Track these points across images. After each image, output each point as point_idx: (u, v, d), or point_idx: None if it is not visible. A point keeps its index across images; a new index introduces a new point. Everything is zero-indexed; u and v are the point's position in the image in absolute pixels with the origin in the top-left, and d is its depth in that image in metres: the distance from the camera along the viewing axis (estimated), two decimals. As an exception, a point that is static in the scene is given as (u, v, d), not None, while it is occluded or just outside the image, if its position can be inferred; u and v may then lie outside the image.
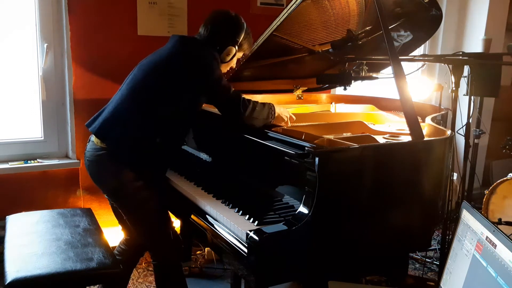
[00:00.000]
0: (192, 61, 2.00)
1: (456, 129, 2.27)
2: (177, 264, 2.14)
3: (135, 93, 2.04)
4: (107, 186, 2.07)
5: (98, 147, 2.02)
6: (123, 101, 2.04)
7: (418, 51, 3.63)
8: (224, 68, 2.19)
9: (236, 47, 2.13)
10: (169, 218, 2.13)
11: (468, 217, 1.37)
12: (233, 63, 2.24)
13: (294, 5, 2.12)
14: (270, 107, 2.09)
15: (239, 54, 2.21)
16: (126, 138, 2.00)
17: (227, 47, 2.10)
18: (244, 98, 2.04)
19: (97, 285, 2.40)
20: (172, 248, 2.10)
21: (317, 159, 1.56)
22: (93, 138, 2.06)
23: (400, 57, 1.97)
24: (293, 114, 2.24)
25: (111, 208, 2.24)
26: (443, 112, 2.49)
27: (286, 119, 2.17)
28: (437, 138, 1.93)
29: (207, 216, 1.86)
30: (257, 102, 2.07)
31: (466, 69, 2.70)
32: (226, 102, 2.04)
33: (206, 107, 2.53)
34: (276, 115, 2.11)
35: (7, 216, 2.19)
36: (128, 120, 2.01)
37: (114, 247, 2.10)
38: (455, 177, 3.02)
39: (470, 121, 2.85)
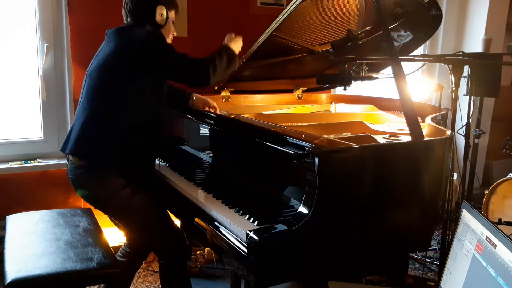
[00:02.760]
0: (134, 44, 1.95)
1: (456, 129, 2.27)
2: (182, 262, 2.13)
3: (94, 102, 1.99)
4: (96, 202, 2.05)
5: (76, 165, 1.99)
6: (86, 113, 1.99)
7: (418, 51, 3.63)
8: (167, 34, 2.13)
9: (164, 7, 2.06)
10: (168, 216, 2.13)
11: (468, 217, 1.37)
12: (173, 29, 2.17)
13: (294, 5, 2.12)
14: (226, 54, 2.06)
15: (171, 14, 2.14)
16: (103, 149, 1.96)
17: (155, 10, 2.04)
18: (200, 60, 1.99)
19: (99, 285, 2.40)
20: (176, 247, 2.09)
21: (317, 159, 1.55)
22: (70, 157, 2.03)
23: (400, 57, 1.97)
24: (292, 113, 2.23)
25: (108, 217, 2.23)
26: (443, 112, 2.49)
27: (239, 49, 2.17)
28: (437, 138, 1.92)
29: (207, 216, 1.86)
30: (214, 58, 2.02)
31: (466, 69, 2.70)
32: (184, 69, 1.98)
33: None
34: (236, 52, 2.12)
35: (7, 216, 2.19)
36: (99, 129, 1.97)
37: (114, 247, 2.10)
38: (455, 177, 3.02)
39: (470, 121, 2.84)
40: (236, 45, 2.16)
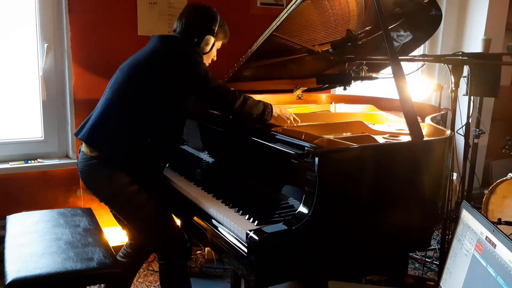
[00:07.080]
0: (176, 61, 1.98)
1: (455, 129, 2.27)
2: (183, 263, 2.13)
3: (119, 96, 2.02)
4: (102, 194, 2.06)
5: (88, 156, 2.01)
6: (108, 105, 2.02)
7: (418, 51, 3.63)
8: (206, 60, 2.18)
9: (214, 37, 2.12)
10: (171, 217, 2.13)
11: (467, 217, 1.38)
12: (214, 54, 2.22)
13: (294, 5, 2.12)
14: (266, 105, 2.07)
15: (218, 44, 2.20)
16: (115, 143, 1.98)
17: (204, 37, 2.09)
18: (234, 90, 2.03)
19: (99, 285, 2.40)
20: (177, 248, 2.09)
21: (316, 159, 1.56)
22: (83, 148, 2.05)
23: (400, 57, 1.97)
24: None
25: (111, 213, 2.24)
26: (442, 112, 2.50)
27: (288, 121, 2.14)
28: (437, 138, 1.93)
29: (207, 216, 1.86)
30: (250, 97, 2.06)
31: (465, 69, 2.70)
32: (214, 95, 2.02)
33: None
34: (275, 115, 2.09)
35: (7, 216, 2.19)
36: (115, 124, 2.00)
37: (114, 247, 2.10)
38: (454, 177, 3.02)
39: (470, 121, 2.85)
40: (284, 113, 2.14)
